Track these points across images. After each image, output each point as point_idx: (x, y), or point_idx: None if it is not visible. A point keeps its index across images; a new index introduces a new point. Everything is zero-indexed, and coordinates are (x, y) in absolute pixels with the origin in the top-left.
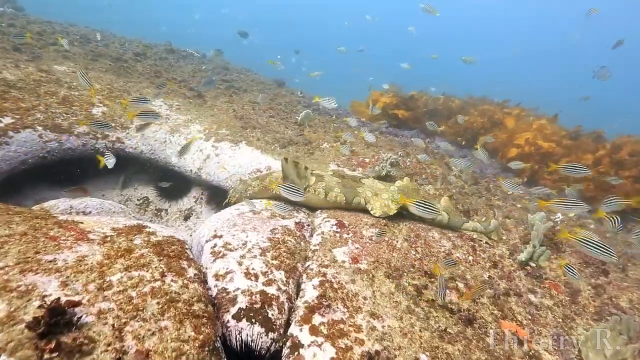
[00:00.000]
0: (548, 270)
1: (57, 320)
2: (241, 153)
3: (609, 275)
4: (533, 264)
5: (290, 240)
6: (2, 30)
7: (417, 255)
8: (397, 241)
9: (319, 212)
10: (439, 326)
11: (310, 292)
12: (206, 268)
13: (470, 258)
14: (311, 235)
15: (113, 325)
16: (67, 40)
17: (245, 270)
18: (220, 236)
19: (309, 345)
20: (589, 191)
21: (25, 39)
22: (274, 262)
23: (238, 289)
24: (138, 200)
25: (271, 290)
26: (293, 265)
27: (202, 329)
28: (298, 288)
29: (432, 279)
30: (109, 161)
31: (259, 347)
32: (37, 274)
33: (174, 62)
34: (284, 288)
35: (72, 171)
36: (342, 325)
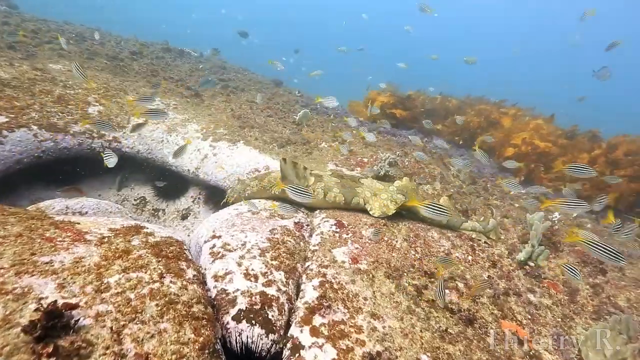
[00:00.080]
0: (547, 269)
1: (54, 324)
2: (239, 153)
3: (607, 274)
4: (532, 264)
5: (290, 241)
6: None
7: (416, 255)
8: (396, 241)
9: (317, 212)
10: (440, 326)
11: (310, 292)
12: (205, 269)
13: (470, 258)
14: (310, 236)
15: (111, 328)
16: (64, 39)
17: (245, 271)
18: (219, 236)
19: (309, 347)
20: (585, 190)
21: (18, 37)
22: (274, 262)
23: (238, 290)
24: (135, 200)
25: (271, 291)
26: (293, 265)
27: (202, 331)
28: (298, 289)
29: (432, 279)
30: (110, 160)
31: (259, 348)
32: (33, 276)
33: (171, 61)
34: (283, 289)
35: (68, 171)
36: (342, 326)
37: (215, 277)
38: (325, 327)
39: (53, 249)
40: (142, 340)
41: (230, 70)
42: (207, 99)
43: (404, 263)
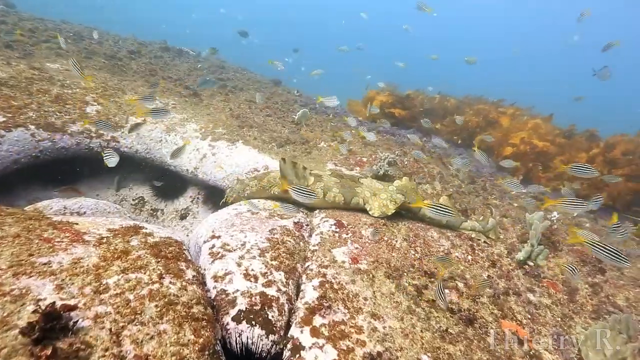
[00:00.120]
0: (546, 269)
1: (52, 326)
2: (238, 152)
3: (606, 273)
4: (531, 263)
5: (289, 241)
6: None
7: (416, 254)
8: (396, 241)
9: (317, 211)
10: (440, 326)
11: (310, 293)
12: (204, 269)
13: (470, 257)
14: (310, 235)
15: (110, 330)
16: (63, 39)
17: (245, 272)
18: (219, 237)
19: (310, 347)
20: (582, 189)
21: (15, 36)
22: (274, 262)
23: (237, 290)
24: (133, 200)
25: (271, 291)
26: (292, 266)
27: (202, 332)
28: (298, 289)
29: (432, 279)
30: (111, 160)
31: (259, 349)
32: (31, 277)
33: (170, 60)
34: (283, 289)
35: (66, 171)
36: (343, 327)
37: (215, 278)
38: (325, 327)
39: (51, 249)
40: (142, 341)
41: (229, 69)
42: (206, 98)
43: (403, 263)
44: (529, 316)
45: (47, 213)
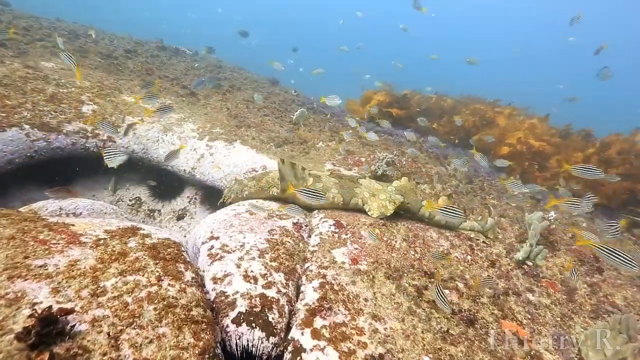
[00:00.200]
0: (544, 268)
1: (49, 330)
2: (236, 152)
3: (604, 273)
4: (530, 263)
5: (289, 242)
6: None
7: (416, 255)
8: (395, 241)
9: (316, 212)
10: (441, 327)
11: (310, 294)
12: (203, 271)
13: (469, 257)
14: (309, 236)
15: (108, 334)
16: (61, 39)
17: (244, 273)
18: (217, 237)
19: (311, 350)
20: (579, 189)
21: (8, 34)
22: (273, 264)
23: (237, 292)
24: (130, 200)
25: (271, 293)
26: (292, 267)
27: (202, 335)
28: (298, 290)
29: (432, 279)
30: (118, 158)
31: (260, 352)
32: (26, 280)
33: (166, 59)
34: (283, 290)
35: (61, 171)
36: (344, 328)
37: (214, 279)
38: (326, 329)
39: (47, 251)
40: (141, 345)
41: (226, 69)
42: (203, 98)
43: (403, 263)
44: (529, 316)
45: (42, 214)
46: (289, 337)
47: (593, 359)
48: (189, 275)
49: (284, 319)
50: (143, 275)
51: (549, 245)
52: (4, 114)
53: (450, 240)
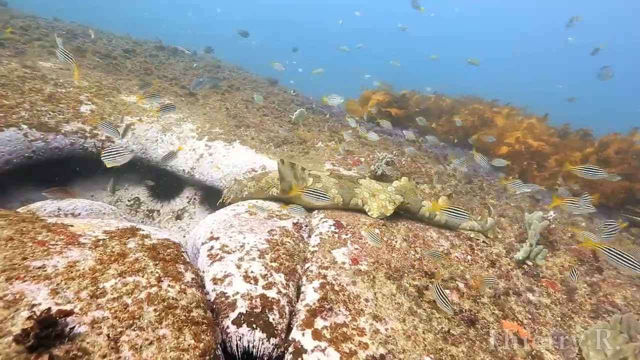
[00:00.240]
0: (544, 268)
1: (47, 332)
2: (235, 152)
3: (603, 272)
4: (530, 263)
5: (289, 242)
6: None
7: (416, 255)
8: (396, 241)
9: (315, 212)
10: (442, 327)
11: (311, 295)
12: (203, 272)
13: (469, 257)
14: (309, 236)
15: (108, 335)
16: (60, 39)
17: (244, 274)
18: (217, 238)
19: (312, 351)
20: (577, 188)
21: (5, 34)
22: (273, 264)
23: (237, 293)
24: (129, 201)
25: (271, 293)
26: (292, 267)
27: (202, 337)
28: (298, 291)
29: (433, 280)
30: (124, 157)
31: (260, 353)
32: (25, 281)
33: (165, 59)
34: (284, 291)
35: (59, 171)
36: (345, 329)
37: (214, 280)
38: (327, 330)
39: (46, 252)
40: (141, 347)
41: (225, 69)
42: (202, 98)
43: (404, 263)
44: (530, 316)
45: (40, 215)
46: (290, 338)
47: (594, 358)
48: (189, 276)
49: (285, 319)
50: (143, 276)
51: (548, 245)
52: (2, 114)
53: (451, 240)
